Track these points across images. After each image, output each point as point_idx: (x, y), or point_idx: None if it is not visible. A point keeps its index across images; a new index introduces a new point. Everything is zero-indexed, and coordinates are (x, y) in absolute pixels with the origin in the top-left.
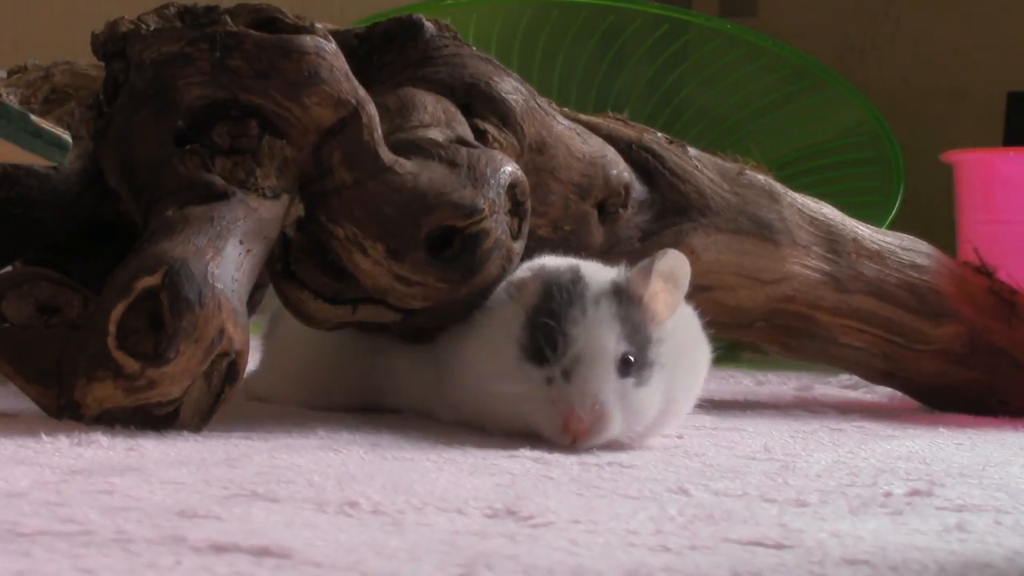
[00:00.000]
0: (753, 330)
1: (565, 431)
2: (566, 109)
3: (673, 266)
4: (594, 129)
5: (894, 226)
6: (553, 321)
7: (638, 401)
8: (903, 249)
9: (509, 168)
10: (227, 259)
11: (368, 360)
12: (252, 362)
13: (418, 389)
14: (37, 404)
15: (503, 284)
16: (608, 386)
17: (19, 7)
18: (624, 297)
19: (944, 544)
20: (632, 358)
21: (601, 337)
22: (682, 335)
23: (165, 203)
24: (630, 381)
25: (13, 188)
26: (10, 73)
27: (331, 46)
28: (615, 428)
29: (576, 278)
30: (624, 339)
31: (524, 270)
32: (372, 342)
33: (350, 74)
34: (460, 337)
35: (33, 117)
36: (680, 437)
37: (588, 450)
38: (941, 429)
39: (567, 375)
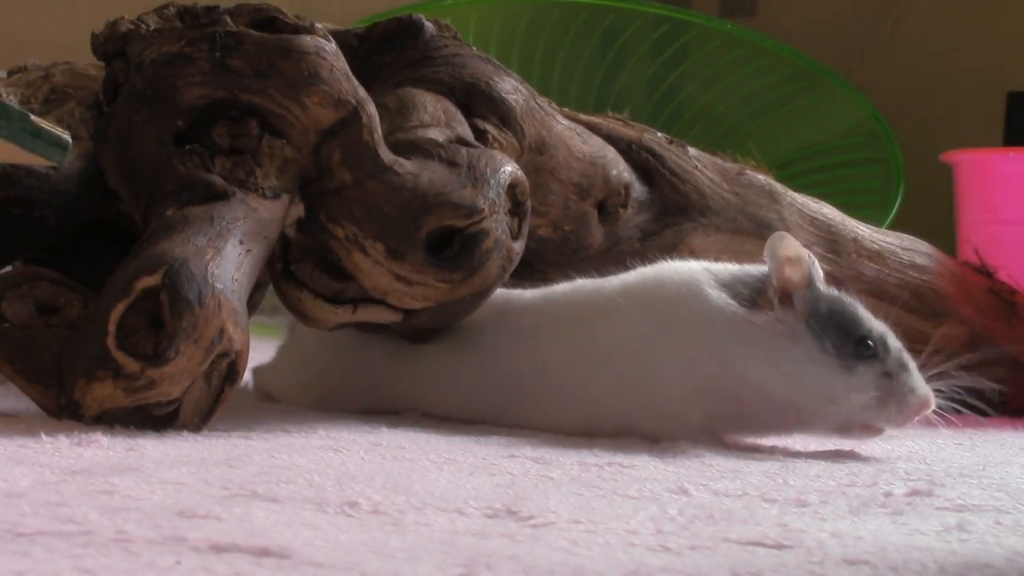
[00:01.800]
0: None
1: (915, 416)
2: (566, 109)
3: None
4: (594, 129)
5: (894, 226)
6: (858, 324)
7: None
8: (903, 249)
9: (509, 168)
10: (227, 259)
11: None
12: (262, 356)
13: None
14: (37, 404)
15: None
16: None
17: (19, 7)
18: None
19: (944, 544)
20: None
21: (891, 336)
22: None
23: (165, 203)
24: None
25: (13, 188)
26: (10, 73)
27: (331, 46)
28: None
29: (822, 284)
30: None
31: (690, 282)
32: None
33: (350, 74)
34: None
35: (33, 117)
36: None
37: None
38: (941, 429)
39: (903, 366)
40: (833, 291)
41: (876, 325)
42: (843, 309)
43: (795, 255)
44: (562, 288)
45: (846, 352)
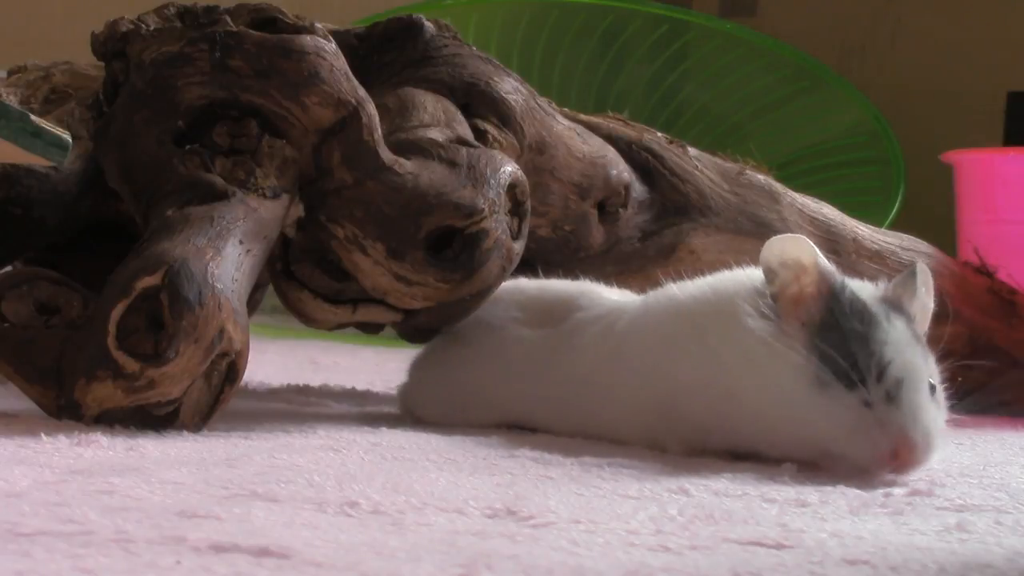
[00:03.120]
0: None
1: (892, 459)
2: (566, 109)
3: (928, 280)
4: (594, 129)
5: (894, 226)
6: (858, 342)
7: (944, 424)
8: (903, 249)
9: (509, 168)
10: (227, 259)
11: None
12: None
13: (640, 417)
14: (37, 404)
15: (742, 303)
16: (931, 410)
17: (19, 7)
18: (906, 315)
19: (944, 544)
20: (931, 380)
21: (917, 357)
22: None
23: (165, 203)
24: (935, 403)
25: (13, 188)
26: (10, 73)
27: (331, 46)
28: (936, 457)
29: (854, 296)
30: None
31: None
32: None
33: (350, 74)
34: (701, 360)
35: (33, 117)
36: None
37: (903, 480)
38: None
39: (892, 399)
40: (862, 299)
41: (885, 346)
42: (852, 325)
43: (794, 261)
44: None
45: (840, 373)
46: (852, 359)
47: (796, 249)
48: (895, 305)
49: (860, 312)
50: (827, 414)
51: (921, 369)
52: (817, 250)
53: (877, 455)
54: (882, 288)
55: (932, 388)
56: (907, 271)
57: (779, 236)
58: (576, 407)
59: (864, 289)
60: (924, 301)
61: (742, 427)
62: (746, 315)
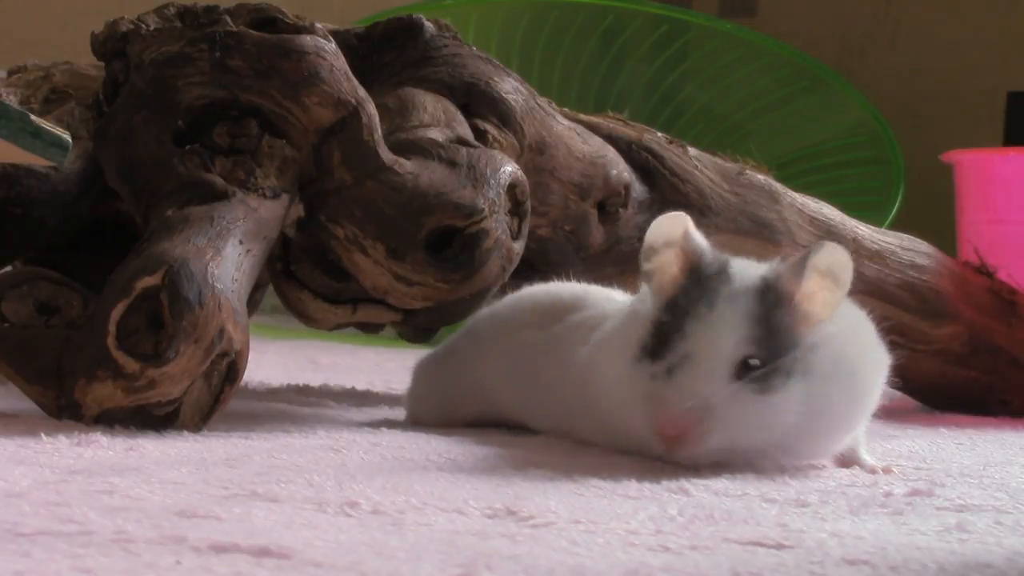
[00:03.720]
0: None
1: (657, 434)
2: (566, 109)
3: (832, 261)
4: (594, 129)
5: (894, 226)
6: (676, 316)
7: (759, 411)
8: (903, 249)
9: (509, 168)
10: (227, 259)
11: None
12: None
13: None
14: (37, 404)
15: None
16: (713, 387)
17: (19, 7)
18: (771, 296)
19: (944, 544)
20: (756, 362)
21: (718, 335)
22: (843, 340)
23: (165, 203)
24: (750, 387)
25: (13, 188)
26: (10, 73)
27: (331, 46)
28: (717, 437)
29: (721, 272)
30: (752, 341)
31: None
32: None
33: (350, 74)
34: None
35: (33, 117)
36: (888, 471)
37: (689, 462)
38: (941, 429)
39: (670, 373)
40: (708, 276)
41: (689, 321)
42: (682, 301)
43: (664, 239)
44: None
45: (647, 348)
46: (668, 335)
47: (669, 228)
48: (767, 287)
49: (697, 288)
50: (628, 386)
51: (719, 347)
52: (690, 228)
53: (647, 429)
54: (770, 268)
55: (747, 368)
56: (803, 252)
57: (662, 215)
58: (550, 408)
59: (747, 269)
60: (812, 284)
61: (599, 401)
62: (636, 298)
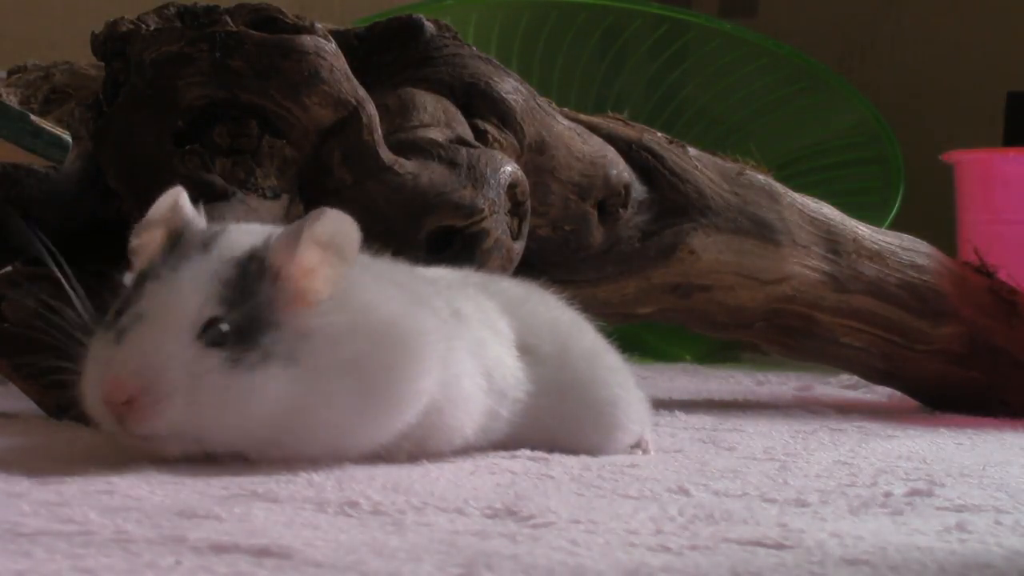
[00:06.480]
0: (753, 330)
1: (105, 403)
2: (566, 109)
3: (333, 232)
4: (594, 129)
5: (894, 226)
6: (140, 283)
7: (227, 386)
8: (903, 249)
9: (509, 168)
10: None
11: None
12: None
13: None
14: (37, 404)
15: None
16: (168, 349)
17: (19, 7)
18: (254, 265)
19: (944, 544)
20: (227, 327)
21: (176, 292)
22: (351, 322)
23: None
24: (221, 355)
25: (13, 188)
26: (10, 73)
27: (331, 46)
28: (179, 411)
29: (206, 243)
30: (223, 304)
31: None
32: None
33: (350, 74)
34: None
35: (33, 117)
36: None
37: (155, 447)
38: (941, 429)
39: (122, 334)
40: (173, 248)
41: (144, 290)
42: (148, 271)
43: (149, 216)
44: None
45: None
46: (128, 300)
47: (159, 205)
48: (253, 257)
49: (171, 257)
50: (89, 359)
51: (178, 306)
52: (180, 201)
53: (94, 399)
54: (266, 239)
55: (216, 336)
56: (299, 221)
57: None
58: None
59: (242, 236)
60: (308, 258)
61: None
62: None
